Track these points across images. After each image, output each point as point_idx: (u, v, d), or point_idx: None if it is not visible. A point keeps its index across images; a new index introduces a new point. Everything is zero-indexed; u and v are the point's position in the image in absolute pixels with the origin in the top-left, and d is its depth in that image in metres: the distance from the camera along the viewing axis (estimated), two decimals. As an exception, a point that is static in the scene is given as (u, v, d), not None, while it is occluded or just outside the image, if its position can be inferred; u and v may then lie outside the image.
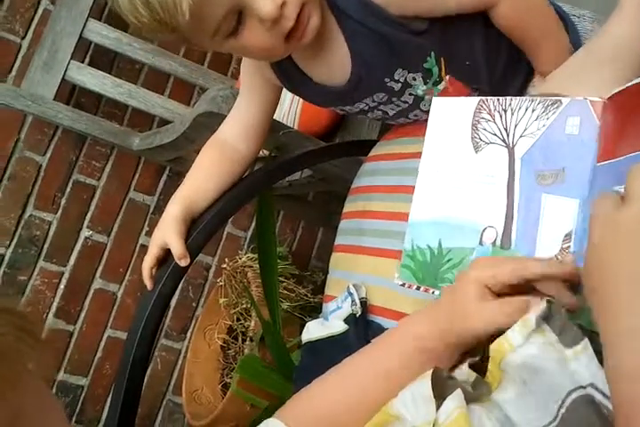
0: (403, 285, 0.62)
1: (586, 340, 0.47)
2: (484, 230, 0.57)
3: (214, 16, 0.64)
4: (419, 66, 0.76)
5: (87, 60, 1.57)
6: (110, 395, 1.49)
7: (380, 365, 0.56)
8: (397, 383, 0.53)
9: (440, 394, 0.49)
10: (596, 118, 0.51)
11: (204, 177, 0.91)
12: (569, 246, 0.52)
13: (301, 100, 1.38)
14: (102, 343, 1.50)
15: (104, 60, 1.58)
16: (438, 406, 0.48)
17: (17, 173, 1.47)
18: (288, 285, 1.40)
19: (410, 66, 0.76)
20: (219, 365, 1.41)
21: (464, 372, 0.52)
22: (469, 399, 0.49)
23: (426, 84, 0.78)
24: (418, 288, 0.62)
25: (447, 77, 0.78)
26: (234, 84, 1.54)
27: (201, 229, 0.91)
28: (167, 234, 0.84)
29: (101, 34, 1.51)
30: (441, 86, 0.78)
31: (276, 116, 1.18)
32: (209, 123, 1.15)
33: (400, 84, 0.78)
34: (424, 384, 0.49)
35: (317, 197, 1.77)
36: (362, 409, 0.53)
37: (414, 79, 0.77)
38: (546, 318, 0.49)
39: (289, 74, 0.82)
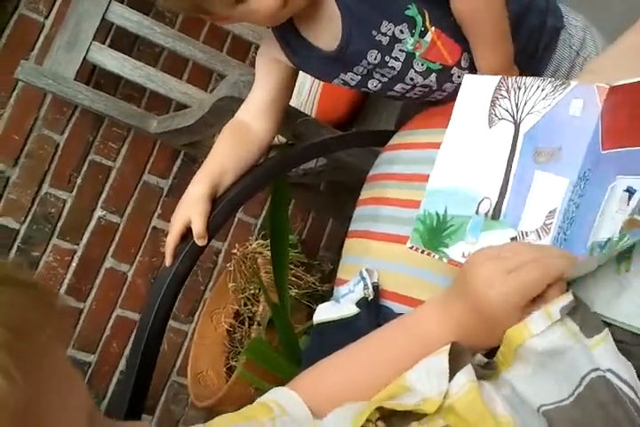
0: (411, 248, 0.66)
1: (606, 330, 0.49)
2: (481, 201, 0.59)
3: None
4: (402, 15, 0.82)
5: (108, 41, 1.59)
6: (116, 372, 1.52)
7: (390, 350, 0.58)
8: (405, 369, 0.54)
9: (454, 369, 0.51)
10: (600, 103, 0.52)
11: (224, 158, 0.94)
12: (551, 223, 0.54)
13: (320, 88, 1.41)
14: (111, 322, 1.53)
15: (125, 42, 1.60)
16: (450, 380, 0.50)
17: (34, 151, 1.49)
18: (297, 272, 1.42)
19: (393, 16, 0.82)
20: (224, 348, 1.43)
21: (477, 357, 0.54)
22: (479, 376, 0.51)
23: (412, 35, 0.83)
24: (422, 252, 0.65)
25: (433, 29, 0.83)
26: (252, 72, 1.55)
27: (217, 213, 0.93)
28: (192, 212, 0.86)
29: (123, 16, 1.52)
30: (428, 38, 0.83)
31: (294, 104, 1.20)
32: (229, 107, 1.17)
33: (388, 38, 0.83)
34: (441, 358, 0.51)
35: (329, 187, 1.79)
36: (370, 389, 0.55)
37: (401, 32, 0.83)
38: (568, 309, 0.50)
39: (294, 46, 0.89)
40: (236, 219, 1.65)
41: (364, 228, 0.93)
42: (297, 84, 1.37)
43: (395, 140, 1.01)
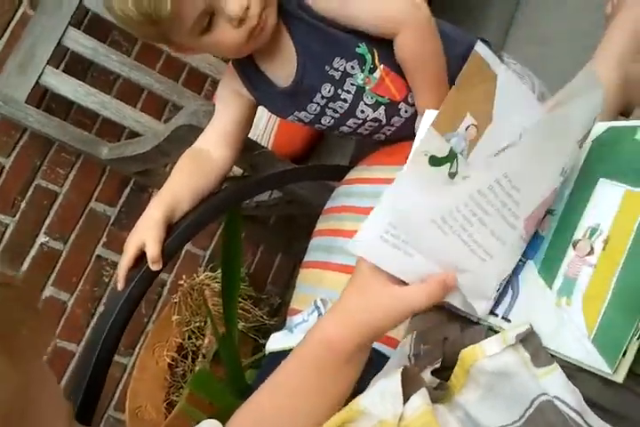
0: None
1: (555, 363, 0.51)
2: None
3: (191, 15, 0.79)
4: (352, 52, 0.87)
5: (62, 66, 1.57)
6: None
7: (302, 370, 0.57)
8: (325, 385, 0.55)
9: (406, 392, 0.52)
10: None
11: (182, 185, 0.94)
12: None
13: (276, 122, 1.43)
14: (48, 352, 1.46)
15: (79, 68, 1.59)
16: (404, 403, 0.51)
17: (-22, 173, 1.45)
18: (245, 305, 1.41)
19: (344, 53, 0.87)
20: (165, 383, 1.39)
21: (427, 377, 0.55)
22: (432, 399, 0.52)
23: (362, 71, 0.88)
24: None
25: (382, 66, 0.88)
26: (210, 103, 1.57)
27: (171, 240, 0.92)
28: (147, 236, 0.86)
29: (79, 42, 1.52)
30: (377, 74, 0.89)
31: (250, 136, 1.22)
32: (186, 136, 1.17)
33: (340, 73, 0.89)
34: (393, 381, 0.52)
35: (279, 222, 1.80)
36: (305, 417, 0.55)
37: (352, 68, 0.88)
38: (523, 338, 0.52)
39: (254, 80, 0.94)
40: (184, 250, 1.64)
41: (319, 258, 0.95)
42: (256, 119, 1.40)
43: (352, 175, 1.04)
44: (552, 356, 0.52)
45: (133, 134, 1.55)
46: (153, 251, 0.85)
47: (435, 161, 0.51)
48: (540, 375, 0.51)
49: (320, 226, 1.02)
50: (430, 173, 0.51)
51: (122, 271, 0.87)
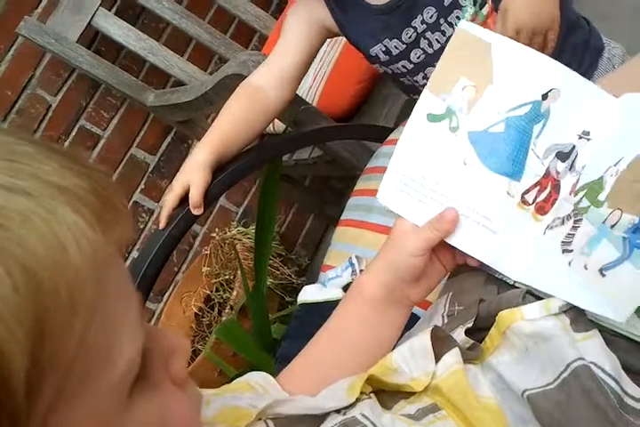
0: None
1: (596, 329, 0.51)
2: None
3: None
4: None
5: (114, 9, 1.58)
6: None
7: (359, 316, 0.60)
8: (378, 331, 0.59)
9: (438, 352, 0.53)
10: None
11: (234, 125, 0.93)
12: None
13: (324, 80, 1.42)
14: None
15: (130, 12, 1.60)
16: (436, 362, 0.52)
17: (25, 109, 1.48)
18: (274, 263, 1.43)
19: None
20: (191, 331, 1.43)
21: (460, 337, 0.56)
22: (465, 359, 0.53)
23: (474, 4, 0.83)
24: None
25: (489, 2, 0.83)
26: (260, 54, 1.56)
27: (214, 186, 0.93)
28: (193, 179, 0.87)
29: (133, -14, 1.53)
30: (484, 11, 0.83)
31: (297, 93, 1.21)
32: (234, 86, 1.17)
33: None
34: (423, 340, 0.53)
35: (314, 183, 1.81)
36: (351, 368, 0.56)
37: None
38: (566, 308, 0.53)
39: (344, 2, 0.87)
40: (217, 205, 1.66)
41: (358, 217, 0.95)
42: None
43: (394, 136, 1.03)
44: (592, 322, 0.52)
45: (178, 84, 1.57)
46: (196, 195, 0.86)
47: (433, 118, 0.60)
48: (578, 340, 0.51)
49: (360, 185, 1.02)
50: (431, 128, 0.60)
51: (165, 210, 0.88)
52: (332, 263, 0.92)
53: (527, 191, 0.61)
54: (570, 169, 0.61)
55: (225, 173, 0.96)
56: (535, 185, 0.61)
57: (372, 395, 0.49)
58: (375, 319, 0.59)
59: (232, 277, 1.40)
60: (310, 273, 1.58)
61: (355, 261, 0.83)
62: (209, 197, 0.92)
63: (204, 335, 1.40)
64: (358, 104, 1.36)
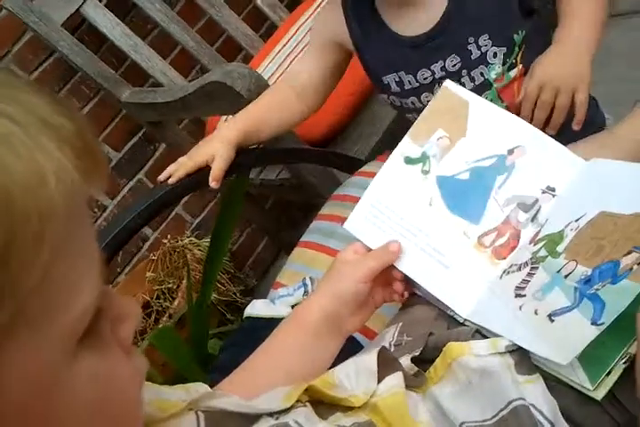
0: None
1: (539, 375, 0.53)
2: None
3: None
4: (507, 37, 0.79)
5: (105, 1, 1.58)
6: None
7: (296, 340, 0.63)
8: (313, 357, 0.62)
9: (381, 373, 0.54)
10: None
11: (270, 112, 0.96)
12: None
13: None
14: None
15: (121, 7, 1.60)
16: (378, 383, 0.53)
17: (-8, 85, 1.45)
18: (221, 278, 1.42)
19: (498, 34, 0.79)
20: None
21: (406, 363, 0.57)
22: (407, 385, 0.54)
23: (503, 64, 0.81)
24: None
25: (520, 66, 0.81)
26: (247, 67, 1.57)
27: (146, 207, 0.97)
28: (220, 152, 0.89)
29: (129, -18, 1.54)
30: (512, 73, 0.81)
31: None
32: (214, 94, 1.19)
33: (479, 54, 0.80)
34: (369, 359, 0.55)
35: (275, 207, 1.82)
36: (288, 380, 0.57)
37: (494, 56, 0.80)
38: (512, 349, 0.56)
39: (364, 20, 0.85)
40: (173, 212, 1.65)
41: (318, 240, 0.96)
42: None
43: (367, 169, 1.06)
44: (536, 367, 0.54)
45: (155, 86, 1.57)
46: (219, 168, 0.88)
47: (409, 160, 0.70)
48: (521, 382, 0.53)
49: (325, 210, 1.04)
50: (405, 169, 0.69)
51: (181, 171, 0.91)
52: (285, 282, 0.93)
53: (484, 235, 0.67)
54: (532, 220, 0.65)
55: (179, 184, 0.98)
56: (493, 230, 0.67)
57: (307, 404, 0.50)
58: (311, 345, 0.63)
59: (175, 287, 1.38)
60: (257, 295, 1.58)
61: (308, 282, 0.84)
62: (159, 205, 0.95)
63: (135, 341, 1.37)
64: (335, 132, 1.39)
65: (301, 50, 1.53)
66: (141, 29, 1.63)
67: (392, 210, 0.69)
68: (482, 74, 0.82)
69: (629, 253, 0.53)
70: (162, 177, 0.94)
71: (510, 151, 0.66)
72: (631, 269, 0.52)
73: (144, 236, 1.59)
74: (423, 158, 0.69)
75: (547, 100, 0.75)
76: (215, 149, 0.90)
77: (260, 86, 1.13)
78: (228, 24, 1.65)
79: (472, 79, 0.83)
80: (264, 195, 1.75)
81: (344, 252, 0.68)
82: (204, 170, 0.91)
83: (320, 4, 1.63)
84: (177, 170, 0.92)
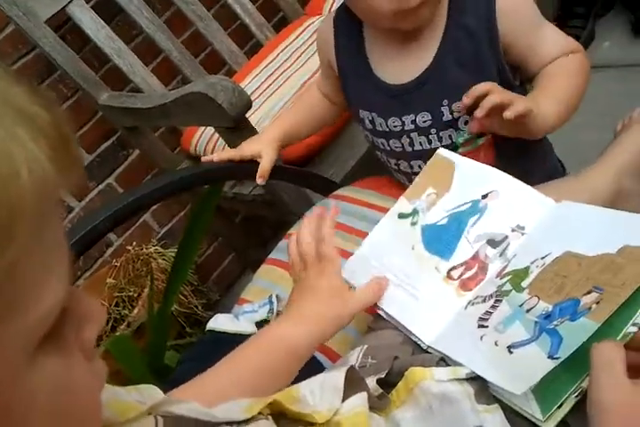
0: None
1: (497, 405, 0.56)
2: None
3: None
4: None
5: (93, 2, 1.58)
6: None
7: (253, 362, 0.64)
8: (278, 377, 0.63)
9: (346, 392, 0.55)
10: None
11: (309, 115, 1.03)
12: None
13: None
14: None
15: (107, 11, 1.60)
16: (343, 401, 0.54)
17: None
18: (184, 290, 1.42)
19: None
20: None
21: (372, 385, 0.59)
22: (371, 406, 0.55)
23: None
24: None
25: (490, 136, 0.84)
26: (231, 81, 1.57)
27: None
28: (266, 150, 0.95)
29: (118, -14, 1.54)
30: (480, 141, 0.84)
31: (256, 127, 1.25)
32: (194, 104, 1.20)
33: (450, 118, 0.83)
34: (337, 377, 0.56)
35: (244, 224, 1.83)
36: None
37: (465, 123, 0.83)
38: (472, 377, 0.58)
39: (351, 55, 0.89)
40: (141, 219, 1.64)
41: (285, 259, 0.97)
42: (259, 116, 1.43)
43: (344, 192, 1.09)
44: (494, 397, 0.56)
45: (135, 91, 1.57)
46: (266, 166, 0.94)
47: (401, 215, 0.79)
48: (480, 411, 0.55)
49: (295, 229, 1.05)
50: (397, 223, 0.79)
51: (225, 155, 0.98)
52: (250, 298, 0.94)
53: (453, 268, 0.71)
54: (500, 255, 0.68)
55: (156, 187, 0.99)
56: (462, 264, 0.71)
57: (269, 417, 0.51)
58: (280, 368, 0.64)
59: (136, 295, 1.37)
60: (219, 309, 1.58)
61: (274, 299, 0.85)
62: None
63: (90, 348, 1.35)
64: (311, 155, 1.40)
65: (285, 70, 1.56)
66: (126, 34, 1.64)
67: (381, 257, 0.78)
68: (450, 137, 0.85)
69: (589, 292, 0.56)
70: (205, 159, 1.03)
71: (484, 196, 0.73)
72: (590, 308, 0.55)
73: (108, 241, 1.58)
74: (414, 213, 0.77)
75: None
76: (261, 148, 0.96)
77: (243, 101, 1.15)
78: (214, 38, 1.67)
79: (440, 139, 0.86)
80: (235, 209, 1.75)
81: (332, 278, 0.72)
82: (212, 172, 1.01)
83: (307, 26, 1.66)
84: (222, 153, 1.00)
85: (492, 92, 0.73)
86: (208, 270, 1.76)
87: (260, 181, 0.94)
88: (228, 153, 1.00)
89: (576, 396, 0.53)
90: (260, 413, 0.50)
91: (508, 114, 0.71)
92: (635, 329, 0.52)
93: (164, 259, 1.47)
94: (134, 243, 1.53)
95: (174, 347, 1.21)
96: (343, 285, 0.73)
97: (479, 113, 0.73)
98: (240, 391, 0.59)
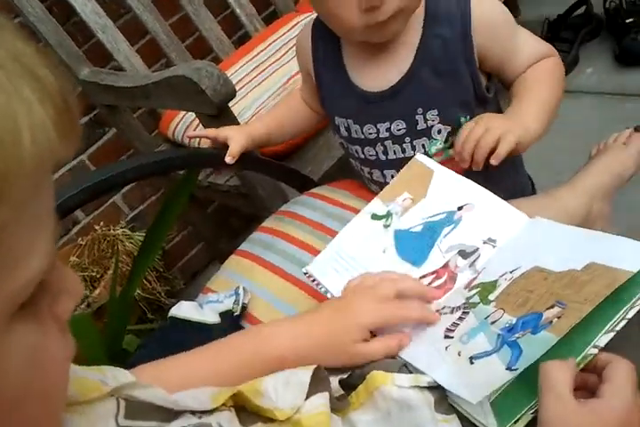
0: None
1: (455, 415, 0.56)
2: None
3: None
4: (453, 117, 0.83)
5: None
6: None
7: (239, 356, 0.63)
8: (246, 376, 0.60)
9: (309, 391, 0.55)
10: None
11: (293, 120, 1.03)
12: None
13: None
14: None
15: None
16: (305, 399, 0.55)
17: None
18: (148, 275, 1.41)
19: (446, 112, 0.83)
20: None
21: (333, 385, 0.59)
22: (331, 407, 0.56)
23: (445, 141, 0.85)
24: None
25: None
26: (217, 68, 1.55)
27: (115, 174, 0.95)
28: (235, 138, 0.94)
29: (109, -39, 1.52)
30: (452, 152, 0.83)
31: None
32: (176, 87, 1.19)
33: (424, 126, 0.84)
34: (303, 375, 0.56)
35: (217, 214, 1.82)
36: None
37: (439, 132, 0.84)
38: (433, 386, 0.59)
39: (328, 61, 0.90)
40: (111, 200, 1.62)
41: (255, 252, 0.98)
42: (242, 107, 1.42)
43: (320, 191, 1.09)
44: (453, 407, 0.57)
45: (117, 70, 1.54)
46: (234, 147, 0.93)
47: (375, 216, 0.80)
48: (439, 420, 0.56)
49: (268, 223, 1.05)
50: (370, 224, 0.80)
51: (206, 133, 0.99)
52: (215, 288, 0.94)
53: (424, 276, 0.73)
54: (470, 266, 0.70)
55: (135, 165, 0.97)
56: (432, 273, 0.73)
57: (232, 409, 0.51)
58: (261, 373, 0.61)
59: (99, 276, 1.36)
60: (182, 297, 1.57)
61: (241, 291, 0.85)
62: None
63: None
64: (290, 151, 1.40)
65: (271, 64, 1.55)
66: (114, 12, 1.61)
67: (351, 257, 0.78)
68: (423, 146, 0.86)
69: (552, 306, 0.57)
70: (191, 134, 1.11)
71: (460, 208, 0.74)
72: (551, 322, 0.56)
73: (75, 218, 1.55)
74: (387, 215, 0.79)
75: (475, 135, 0.76)
76: (232, 134, 0.95)
77: (227, 88, 1.14)
78: (203, 24, 1.65)
79: (413, 148, 0.87)
80: (209, 199, 1.74)
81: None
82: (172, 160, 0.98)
83: (297, 23, 1.66)
84: (202, 131, 1.05)
85: (468, 139, 0.76)
86: (175, 258, 1.75)
87: (228, 159, 0.92)
88: (208, 130, 1.01)
89: (532, 413, 0.54)
90: (223, 404, 0.50)
91: (493, 162, 0.75)
92: (595, 351, 0.53)
93: (130, 242, 1.46)
94: (102, 223, 1.51)
95: (134, 332, 1.20)
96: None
97: (464, 165, 0.78)
98: (219, 382, 0.59)
